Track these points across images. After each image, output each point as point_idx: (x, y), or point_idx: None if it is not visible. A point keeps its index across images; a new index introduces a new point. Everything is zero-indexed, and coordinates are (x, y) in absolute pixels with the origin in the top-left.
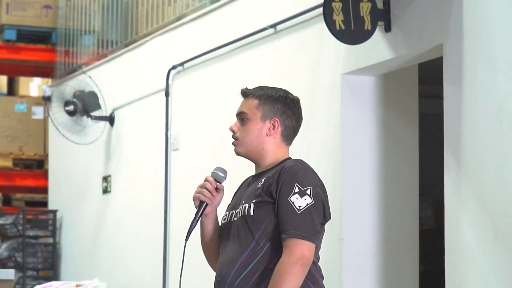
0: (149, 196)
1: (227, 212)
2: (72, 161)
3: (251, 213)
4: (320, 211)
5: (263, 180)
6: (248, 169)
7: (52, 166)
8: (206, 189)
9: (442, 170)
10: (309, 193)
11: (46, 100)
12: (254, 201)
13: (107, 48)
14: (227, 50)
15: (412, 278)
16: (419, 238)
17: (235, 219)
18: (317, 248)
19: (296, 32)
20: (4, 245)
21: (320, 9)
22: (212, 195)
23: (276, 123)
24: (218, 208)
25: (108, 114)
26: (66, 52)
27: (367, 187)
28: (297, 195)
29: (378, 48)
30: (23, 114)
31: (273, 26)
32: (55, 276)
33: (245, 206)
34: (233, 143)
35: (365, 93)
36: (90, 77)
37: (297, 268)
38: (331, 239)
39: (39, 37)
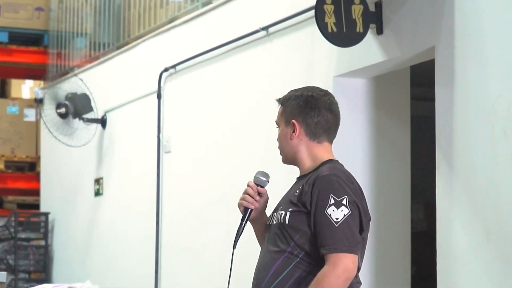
0: (141, 198)
1: (271, 214)
2: (64, 163)
3: (286, 221)
4: (358, 219)
5: (301, 187)
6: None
7: (44, 168)
8: (248, 194)
9: (434, 173)
10: (345, 203)
11: (38, 102)
12: (290, 209)
13: (99, 50)
14: (219, 52)
15: (404, 281)
16: (411, 240)
17: (274, 222)
18: (360, 258)
19: (288, 34)
20: None
21: (312, 12)
22: (255, 200)
23: (295, 124)
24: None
25: (100, 117)
26: (58, 54)
27: None
28: (333, 207)
29: (370, 50)
30: (15, 117)
31: (265, 28)
32: (47, 279)
33: (282, 214)
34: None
35: (357, 96)
36: (82, 80)
37: (340, 282)
38: None
39: (31, 39)
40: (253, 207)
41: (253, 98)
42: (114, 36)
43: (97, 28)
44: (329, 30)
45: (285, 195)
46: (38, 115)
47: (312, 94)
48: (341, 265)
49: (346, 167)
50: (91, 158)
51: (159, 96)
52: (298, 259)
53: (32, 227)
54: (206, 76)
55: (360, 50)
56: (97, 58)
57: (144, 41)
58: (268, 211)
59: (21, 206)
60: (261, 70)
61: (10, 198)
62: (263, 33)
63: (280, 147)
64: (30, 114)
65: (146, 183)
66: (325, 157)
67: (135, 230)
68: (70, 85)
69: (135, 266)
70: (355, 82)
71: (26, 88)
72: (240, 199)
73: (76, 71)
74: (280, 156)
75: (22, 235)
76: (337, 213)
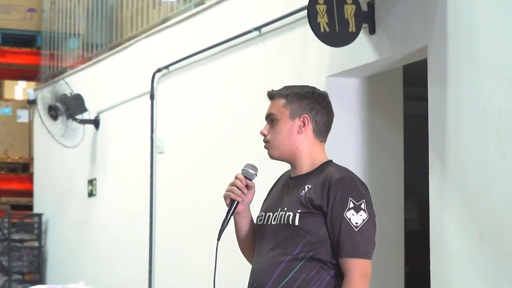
0: (135, 199)
1: (263, 213)
2: (57, 164)
3: (296, 223)
4: (374, 224)
5: (306, 188)
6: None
7: (37, 169)
8: (236, 187)
9: (427, 172)
10: (363, 208)
11: (31, 103)
12: (299, 211)
13: (92, 51)
14: (212, 52)
15: (397, 280)
16: (404, 240)
17: (273, 223)
18: None
19: (281, 34)
20: None
21: (305, 12)
22: (243, 193)
23: (306, 119)
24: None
25: (93, 117)
26: (51, 55)
27: None
28: (352, 211)
29: (362, 50)
30: (8, 118)
31: (258, 28)
32: (40, 280)
33: (289, 215)
34: (265, 147)
35: (350, 95)
36: (75, 81)
37: None
38: None
39: (24, 40)
40: (240, 200)
41: (246, 98)
42: (107, 37)
43: (90, 29)
44: (322, 30)
45: (277, 194)
46: (31, 116)
47: (324, 93)
48: (361, 271)
49: None
50: (84, 159)
51: (152, 97)
52: (302, 262)
53: (25, 228)
54: (199, 76)
55: (353, 50)
56: (90, 59)
57: (137, 41)
58: (252, 207)
59: (15, 207)
60: (254, 70)
61: (3, 199)
62: (255, 33)
63: (274, 141)
64: (23, 115)
65: (140, 184)
66: (324, 157)
67: (128, 231)
68: (62, 86)
69: (128, 267)
70: (348, 82)
71: (19, 89)
72: (227, 191)
73: (69, 72)
74: (267, 150)
75: (16, 237)
76: (357, 218)
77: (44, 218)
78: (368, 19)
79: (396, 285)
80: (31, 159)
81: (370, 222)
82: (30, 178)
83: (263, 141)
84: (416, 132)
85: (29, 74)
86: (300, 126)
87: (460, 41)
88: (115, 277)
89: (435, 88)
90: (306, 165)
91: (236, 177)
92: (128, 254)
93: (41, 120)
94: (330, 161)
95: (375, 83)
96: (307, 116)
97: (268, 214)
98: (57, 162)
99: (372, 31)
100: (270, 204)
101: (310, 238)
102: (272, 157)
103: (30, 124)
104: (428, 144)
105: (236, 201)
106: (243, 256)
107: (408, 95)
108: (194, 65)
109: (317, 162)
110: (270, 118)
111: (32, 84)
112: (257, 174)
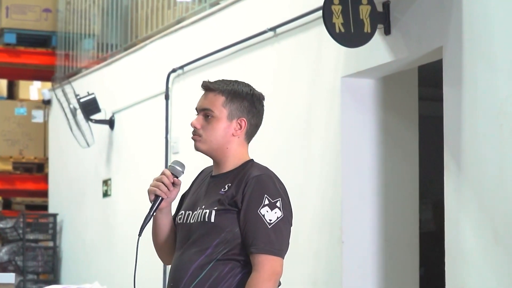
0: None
1: (183, 212)
2: (72, 164)
3: (212, 220)
4: (289, 223)
5: (226, 187)
6: None
7: (52, 169)
8: (163, 183)
9: (442, 173)
10: (279, 206)
11: (46, 103)
12: (215, 208)
13: (107, 51)
14: (226, 53)
15: (412, 281)
16: (419, 241)
17: (192, 221)
18: None
19: (296, 35)
20: (5, 249)
21: (320, 12)
22: (169, 190)
23: (243, 122)
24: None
25: (108, 118)
26: (66, 55)
27: (367, 190)
28: (267, 208)
29: (378, 51)
30: (23, 118)
31: (273, 29)
32: (55, 280)
33: (206, 212)
34: (193, 138)
35: (365, 96)
36: (90, 81)
37: (269, 285)
38: (332, 242)
39: (39, 40)
40: (166, 196)
41: None
42: (122, 37)
43: (105, 29)
44: (337, 30)
45: (196, 192)
46: (46, 117)
47: (261, 95)
48: (269, 267)
49: (353, 167)
50: (99, 159)
51: (167, 97)
52: (216, 259)
53: (40, 228)
54: (214, 76)
55: (368, 51)
56: (104, 59)
57: (151, 42)
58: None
59: (29, 207)
60: (268, 71)
61: (18, 199)
62: (270, 33)
63: (207, 137)
64: (38, 116)
65: None
66: (247, 157)
67: (143, 231)
68: (77, 86)
69: (143, 267)
70: (363, 83)
71: (34, 90)
72: (152, 186)
73: (84, 72)
74: (194, 142)
75: (31, 237)
76: (271, 215)
77: (59, 218)
78: (383, 20)
79: (411, 286)
80: (46, 159)
81: (285, 221)
82: (45, 178)
83: (193, 132)
84: (431, 133)
85: (44, 74)
86: (236, 128)
87: (475, 42)
88: (130, 277)
89: (450, 88)
90: (230, 164)
91: (163, 173)
92: (143, 254)
93: (67, 118)
94: (251, 160)
95: (390, 84)
96: (245, 120)
97: (188, 212)
98: (72, 162)
99: (387, 31)
100: (190, 203)
101: (225, 235)
102: (198, 149)
103: (45, 124)
104: (443, 145)
105: (160, 197)
106: (157, 255)
107: (423, 96)
108: (209, 66)
109: (241, 161)
110: (206, 113)
111: (47, 84)
112: (184, 172)
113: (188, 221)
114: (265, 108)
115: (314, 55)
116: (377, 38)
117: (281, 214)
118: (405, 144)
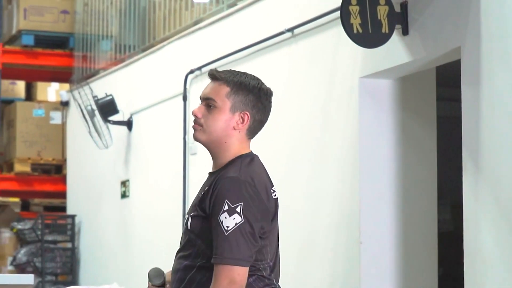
0: (168, 200)
1: (186, 216)
2: (90, 166)
3: (189, 226)
4: (252, 227)
5: (206, 189)
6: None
7: (71, 171)
8: None
9: (460, 173)
10: (239, 211)
11: (64, 105)
12: (192, 214)
13: (124, 53)
14: (244, 54)
15: (431, 281)
16: (438, 241)
17: (184, 226)
18: (267, 252)
19: (313, 35)
20: (23, 250)
21: (337, 13)
22: None
23: (247, 116)
24: None
25: (126, 119)
26: (84, 57)
27: (386, 191)
28: (226, 214)
29: (395, 51)
30: (41, 119)
31: (290, 30)
32: (74, 281)
33: (187, 218)
34: (194, 127)
35: (383, 97)
36: (107, 82)
37: None
38: (350, 243)
39: (56, 42)
40: None
41: (277, 99)
42: (140, 39)
43: (123, 30)
44: (355, 31)
45: (195, 196)
46: (64, 118)
47: (269, 91)
48: (223, 278)
49: (371, 168)
50: (117, 160)
51: (185, 98)
52: (197, 267)
53: (58, 230)
54: None
55: (386, 51)
56: (122, 60)
57: (169, 43)
58: None
59: (48, 208)
60: (285, 72)
61: (36, 200)
62: (288, 34)
63: (207, 127)
64: (56, 117)
65: (173, 185)
66: (243, 152)
67: (161, 232)
68: (95, 88)
69: (161, 268)
70: (381, 83)
71: (52, 91)
72: None
73: (102, 74)
74: (194, 131)
75: (49, 238)
76: (229, 221)
77: (77, 220)
78: (401, 20)
79: (430, 286)
80: (64, 160)
81: (244, 226)
82: (63, 180)
83: (194, 121)
84: (449, 133)
85: (62, 75)
86: (238, 122)
87: (493, 42)
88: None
89: (468, 89)
90: (225, 159)
91: None
92: (162, 255)
93: (85, 119)
94: (241, 156)
95: (408, 84)
96: (248, 114)
97: (186, 216)
98: (90, 163)
99: (405, 32)
100: (190, 206)
101: (201, 242)
102: (197, 139)
103: (63, 126)
104: (461, 145)
105: None
106: None
107: (441, 96)
108: (226, 67)
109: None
110: (208, 103)
111: (65, 85)
112: (165, 278)
113: (184, 226)
114: (281, 108)
115: (331, 56)
116: (395, 38)
117: (240, 220)
118: (423, 144)
